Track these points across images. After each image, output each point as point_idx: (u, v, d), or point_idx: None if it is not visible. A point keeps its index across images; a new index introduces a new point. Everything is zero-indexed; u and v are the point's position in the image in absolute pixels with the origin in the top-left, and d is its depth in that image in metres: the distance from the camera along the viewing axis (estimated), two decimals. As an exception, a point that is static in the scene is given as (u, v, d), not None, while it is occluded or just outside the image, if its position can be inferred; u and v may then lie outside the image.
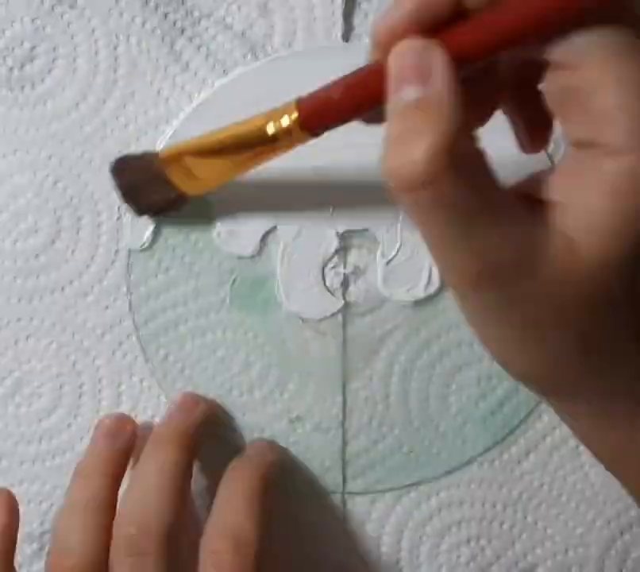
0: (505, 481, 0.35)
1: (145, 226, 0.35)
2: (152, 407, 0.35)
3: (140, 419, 0.35)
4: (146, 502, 0.29)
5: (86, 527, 0.29)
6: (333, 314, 0.35)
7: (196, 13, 0.35)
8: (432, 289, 0.34)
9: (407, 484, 0.35)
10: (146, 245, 0.35)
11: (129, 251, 0.35)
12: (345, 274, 0.35)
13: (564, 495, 0.35)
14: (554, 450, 0.35)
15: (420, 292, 0.34)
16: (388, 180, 0.20)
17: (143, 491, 0.30)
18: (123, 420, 0.33)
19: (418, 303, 0.34)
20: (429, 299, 0.34)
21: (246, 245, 0.35)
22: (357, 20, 0.35)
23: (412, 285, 0.34)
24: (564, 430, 0.34)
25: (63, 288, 0.35)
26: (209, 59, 0.35)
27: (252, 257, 0.35)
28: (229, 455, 0.34)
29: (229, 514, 0.30)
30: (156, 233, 0.35)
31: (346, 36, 0.35)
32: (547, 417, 0.35)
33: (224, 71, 0.35)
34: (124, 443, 0.33)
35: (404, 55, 0.21)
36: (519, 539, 0.35)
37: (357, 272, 0.34)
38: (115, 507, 0.30)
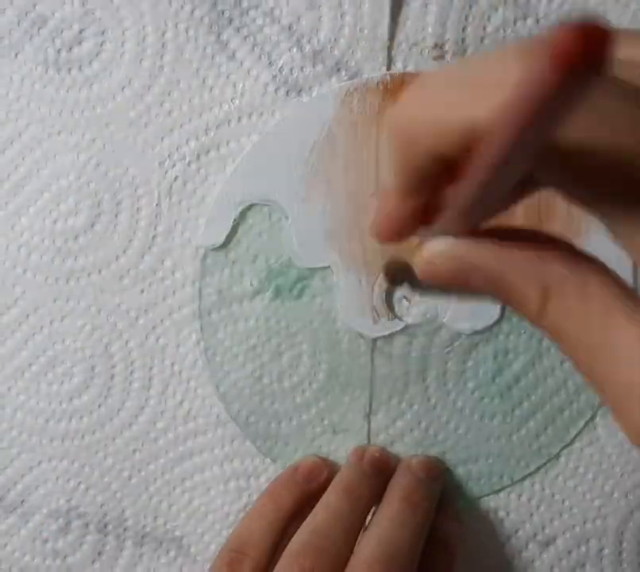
0: (522, 454, 0.35)
1: (222, 227, 0.35)
2: (181, 391, 0.36)
3: (170, 403, 0.36)
4: (330, 525, 0.32)
5: (269, 527, 0.33)
6: (390, 334, 0.35)
7: (245, 4, 0.35)
8: (491, 321, 0.35)
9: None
10: (220, 244, 0.35)
11: (205, 248, 0.35)
12: (406, 297, 0.35)
13: (581, 467, 0.35)
14: (571, 422, 0.35)
15: (480, 324, 0.35)
16: None
17: (329, 517, 0.32)
18: (321, 467, 0.35)
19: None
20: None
21: (317, 257, 0.35)
22: (404, 16, 0.35)
23: (476, 318, 0.35)
24: (581, 403, 0.35)
25: (99, 271, 0.36)
26: (255, 50, 0.35)
27: (323, 268, 0.35)
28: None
29: (395, 544, 0.31)
30: (230, 235, 0.35)
31: (392, 33, 0.35)
32: (564, 391, 0.35)
33: (269, 63, 0.35)
34: (315, 487, 0.34)
35: None
36: (537, 511, 0.36)
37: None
38: (292, 526, 0.33)
